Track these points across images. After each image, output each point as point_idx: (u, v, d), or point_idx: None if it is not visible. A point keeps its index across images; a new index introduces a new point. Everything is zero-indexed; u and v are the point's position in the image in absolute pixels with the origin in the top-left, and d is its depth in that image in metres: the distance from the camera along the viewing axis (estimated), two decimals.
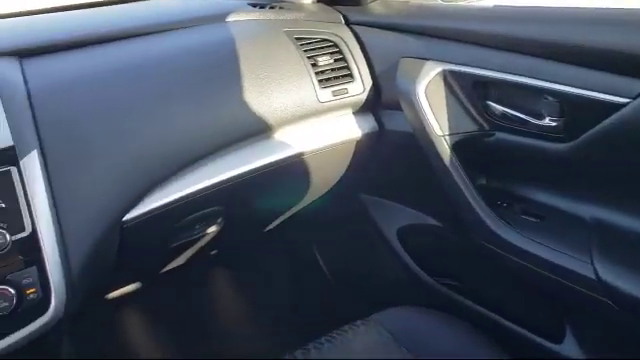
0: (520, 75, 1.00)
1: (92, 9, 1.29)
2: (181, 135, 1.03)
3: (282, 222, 1.50)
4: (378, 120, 1.29)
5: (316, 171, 1.28)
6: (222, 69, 1.11)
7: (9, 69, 0.95)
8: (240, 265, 1.83)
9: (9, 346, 0.84)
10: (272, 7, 1.34)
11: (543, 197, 1.14)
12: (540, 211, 1.12)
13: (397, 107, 1.19)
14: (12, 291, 0.83)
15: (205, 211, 1.14)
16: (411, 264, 1.43)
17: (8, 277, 0.84)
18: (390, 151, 1.31)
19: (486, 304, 1.29)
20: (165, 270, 1.38)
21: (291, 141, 1.19)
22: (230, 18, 1.23)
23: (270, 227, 1.52)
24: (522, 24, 1.02)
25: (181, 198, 1.04)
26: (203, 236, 1.23)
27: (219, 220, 1.21)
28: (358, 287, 1.69)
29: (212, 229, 1.23)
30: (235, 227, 1.31)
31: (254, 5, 1.33)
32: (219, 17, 1.23)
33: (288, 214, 1.45)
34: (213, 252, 1.53)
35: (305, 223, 1.60)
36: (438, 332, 1.07)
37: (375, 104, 1.28)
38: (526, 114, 1.04)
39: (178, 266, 1.40)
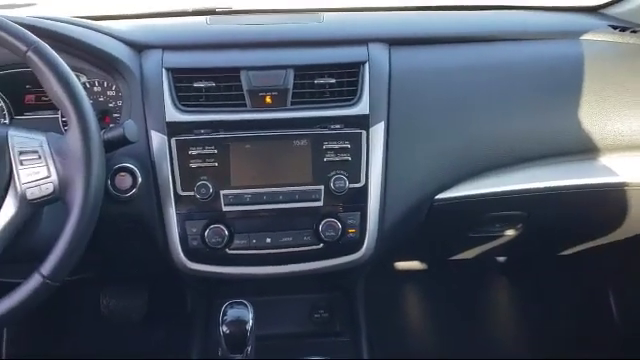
0: None
1: (455, 12, 1.43)
2: (510, 136, 1.11)
3: (581, 250, 1.44)
4: None
5: (638, 207, 1.20)
6: (566, 83, 1.14)
7: (380, 53, 1.14)
8: (523, 279, 1.81)
9: (325, 267, 1.07)
10: (634, 31, 1.28)
11: None
12: None
13: None
14: (339, 225, 1.05)
15: (509, 212, 1.19)
16: None
17: (339, 214, 1.06)
18: None
19: None
20: (453, 258, 1.48)
21: (617, 169, 1.14)
22: (586, 37, 1.23)
23: (567, 252, 1.48)
24: None
25: (491, 193, 1.12)
26: (499, 237, 1.29)
27: (519, 225, 1.25)
28: None
29: (510, 232, 1.27)
30: (533, 238, 1.33)
31: (615, 27, 1.30)
32: (575, 34, 1.24)
33: (591, 243, 1.39)
34: (502, 258, 1.56)
35: (606, 256, 1.50)
36: None
37: None
38: None
39: (464, 259, 1.48)
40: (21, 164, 0.80)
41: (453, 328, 1.74)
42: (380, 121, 1.07)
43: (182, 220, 1.04)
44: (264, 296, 1.30)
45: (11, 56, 0.85)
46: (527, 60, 1.18)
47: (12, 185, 0.80)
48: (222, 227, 1.04)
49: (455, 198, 1.12)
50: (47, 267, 0.78)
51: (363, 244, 1.07)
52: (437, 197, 1.11)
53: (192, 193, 1.03)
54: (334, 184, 1.04)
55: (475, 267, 1.51)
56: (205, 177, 1.03)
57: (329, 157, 1.05)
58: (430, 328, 1.79)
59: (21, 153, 0.81)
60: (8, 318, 0.79)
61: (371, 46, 1.14)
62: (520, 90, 1.13)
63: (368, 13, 1.39)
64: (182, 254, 1.05)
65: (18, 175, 0.80)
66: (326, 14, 1.28)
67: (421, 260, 1.73)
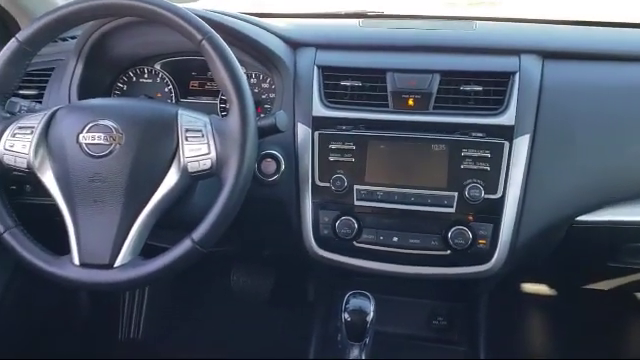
0: None
1: (613, 28, 1.34)
2: None
3: None
4: None
5: None
6: None
7: (532, 65, 1.11)
8: None
9: (450, 275, 1.06)
10: None
11: None
12: None
13: None
14: (470, 234, 1.04)
15: None
16: None
17: (470, 223, 1.05)
18: None
19: None
20: (587, 287, 1.40)
21: None
22: None
23: None
24: None
25: (634, 222, 1.04)
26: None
27: None
28: None
29: None
30: None
31: None
32: None
33: None
34: None
35: None
36: None
37: None
38: None
39: (599, 290, 1.39)
40: (186, 140, 0.89)
41: None
42: (525, 133, 1.05)
43: (316, 209, 1.09)
44: (385, 294, 1.32)
45: (183, 44, 0.95)
46: None
47: (176, 158, 0.90)
48: (352, 220, 1.07)
49: (598, 222, 1.05)
50: (198, 233, 0.86)
51: (492, 257, 1.05)
52: (578, 219, 1.06)
53: (328, 184, 1.08)
54: (469, 192, 1.03)
55: (610, 300, 1.40)
56: (341, 171, 1.08)
57: (467, 165, 1.04)
58: (553, 356, 1.69)
59: (187, 130, 0.90)
60: (159, 275, 0.88)
61: (523, 57, 1.11)
62: None
63: (522, 24, 1.36)
64: (313, 241, 1.10)
65: (183, 150, 0.89)
66: (479, 22, 1.27)
67: (551, 284, 1.64)
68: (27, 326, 1.48)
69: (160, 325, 1.72)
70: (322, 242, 1.10)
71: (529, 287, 1.67)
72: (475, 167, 1.04)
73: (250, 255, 1.59)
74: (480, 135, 1.05)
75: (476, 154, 1.04)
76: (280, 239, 1.21)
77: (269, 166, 1.08)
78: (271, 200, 1.10)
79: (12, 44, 0.92)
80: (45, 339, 1.53)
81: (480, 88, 1.08)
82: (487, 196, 1.03)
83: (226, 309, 1.73)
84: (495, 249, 1.04)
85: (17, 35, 0.92)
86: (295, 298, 1.69)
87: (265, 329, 1.64)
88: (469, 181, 1.04)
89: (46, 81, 1.19)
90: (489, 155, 1.04)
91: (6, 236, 0.90)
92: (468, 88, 1.08)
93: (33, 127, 0.91)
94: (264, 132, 0.96)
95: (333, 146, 1.09)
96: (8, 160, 0.90)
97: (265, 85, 1.22)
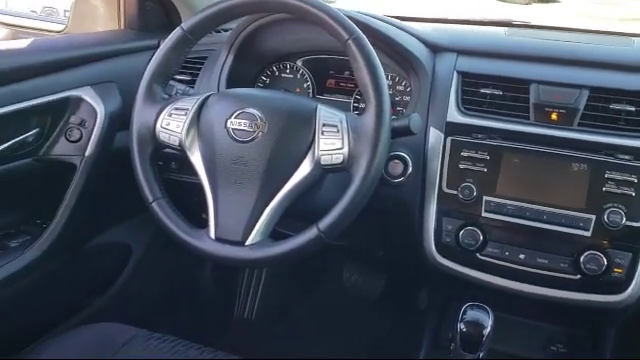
0: None
1: None
2: None
3: None
4: None
5: None
6: None
7: None
8: None
9: (578, 301, 1.00)
10: None
11: None
12: None
13: None
14: (604, 261, 0.98)
15: None
16: None
17: (606, 249, 0.99)
18: None
19: None
20: None
21: None
22: None
23: None
24: None
25: None
26: None
27: None
28: None
29: None
30: None
31: None
32: None
33: None
34: None
35: None
36: None
37: None
38: None
39: None
40: (322, 134, 0.93)
41: None
42: None
43: (440, 216, 1.08)
44: (500, 311, 1.28)
45: (326, 43, 0.98)
46: None
47: (311, 150, 0.93)
48: (477, 231, 1.05)
49: None
50: (324, 223, 0.89)
51: (628, 288, 0.98)
52: None
53: (455, 192, 1.06)
54: (608, 217, 0.97)
55: None
56: (471, 180, 1.06)
57: (609, 187, 0.98)
58: None
59: (324, 125, 0.93)
60: (284, 258, 0.93)
61: None
62: None
63: None
64: (434, 247, 1.09)
65: (318, 143, 0.93)
66: (637, 39, 1.19)
67: None
68: (154, 290, 1.61)
69: (273, 309, 1.80)
70: (443, 250, 1.09)
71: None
72: (618, 191, 0.98)
73: (364, 254, 1.61)
74: (627, 158, 0.99)
75: (620, 177, 0.98)
76: (398, 241, 1.21)
77: (396, 167, 1.08)
78: (395, 201, 1.11)
79: (177, 32, 1.00)
80: (167, 306, 1.65)
81: (632, 108, 1.01)
82: (629, 223, 0.97)
83: (336, 303, 1.76)
84: (632, 280, 0.97)
85: (182, 24, 1.00)
86: (405, 302, 1.68)
87: (373, 329, 1.65)
88: (610, 205, 0.98)
89: (199, 69, 1.29)
90: (635, 180, 0.97)
91: (154, 205, 0.98)
92: (619, 107, 1.02)
93: (187, 109, 0.99)
94: (396, 133, 0.97)
95: (465, 154, 1.07)
96: (163, 137, 0.99)
97: (400, 87, 1.22)
